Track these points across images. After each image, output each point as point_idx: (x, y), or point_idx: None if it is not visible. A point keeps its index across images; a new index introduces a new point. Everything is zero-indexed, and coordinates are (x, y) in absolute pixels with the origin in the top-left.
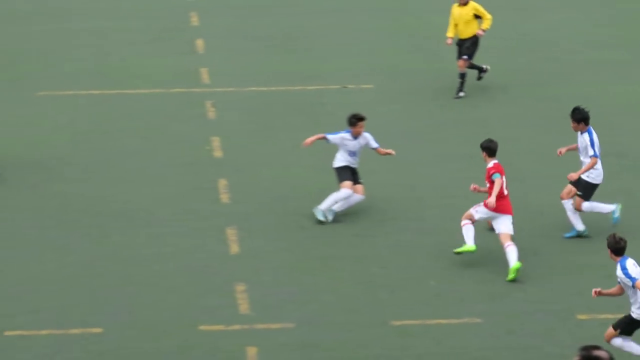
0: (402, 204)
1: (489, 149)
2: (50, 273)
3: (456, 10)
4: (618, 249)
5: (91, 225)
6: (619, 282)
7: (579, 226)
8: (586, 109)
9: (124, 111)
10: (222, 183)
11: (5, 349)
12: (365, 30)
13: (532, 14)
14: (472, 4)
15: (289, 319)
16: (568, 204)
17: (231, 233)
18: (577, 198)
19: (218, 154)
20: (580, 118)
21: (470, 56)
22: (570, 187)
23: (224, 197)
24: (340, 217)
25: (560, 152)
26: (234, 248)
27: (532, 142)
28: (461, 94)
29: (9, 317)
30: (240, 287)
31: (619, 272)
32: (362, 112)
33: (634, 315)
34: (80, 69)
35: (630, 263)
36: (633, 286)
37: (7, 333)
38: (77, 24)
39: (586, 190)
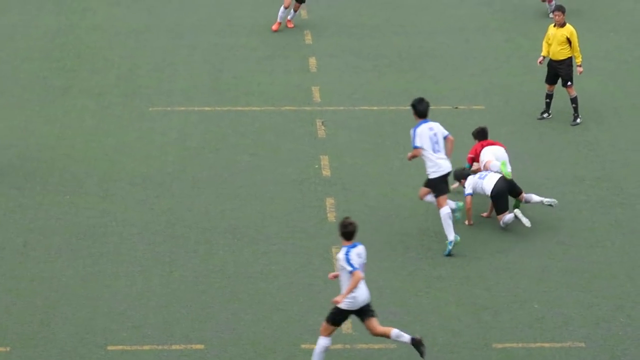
0: (507, 227)
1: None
2: (156, 288)
3: (551, 30)
4: (346, 233)
5: (198, 241)
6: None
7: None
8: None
9: (235, 128)
10: (330, 202)
11: None
12: (478, 50)
13: None
14: (569, 27)
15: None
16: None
17: (336, 252)
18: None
19: (326, 172)
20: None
21: (572, 80)
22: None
23: (331, 216)
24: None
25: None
26: None
27: None
28: (578, 120)
29: (112, 332)
30: None
31: (340, 255)
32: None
33: (341, 305)
34: (192, 85)
35: (355, 252)
36: (350, 273)
37: (109, 348)
38: (191, 40)
39: (430, 186)
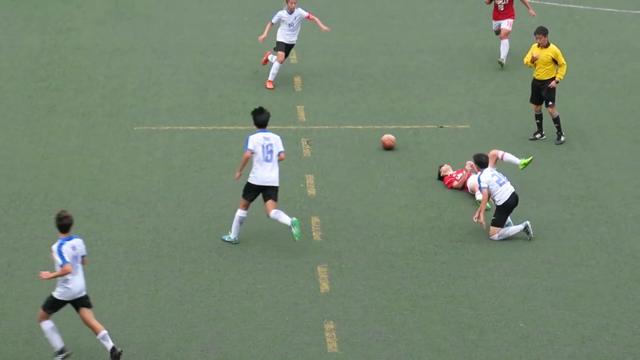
0: (492, 245)
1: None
2: (141, 307)
3: (536, 50)
4: (61, 225)
5: (184, 260)
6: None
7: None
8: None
9: (220, 147)
10: (315, 221)
11: None
12: (462, 70)
13: (633, 55)
14: (552, 47)
15: (377, 358)
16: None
17: (322, 271)
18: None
19: (312, 191)
20: None
21: (554, 101)
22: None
23: (316, 235)
24: (432, 256)
25: None
26: (324, 286)
27: (627, 185)
28: (562, 138)
29: (98, 352)
30: (329, 326)
31: (54, 246)
32: (458, 153)
33: (55, 294)
34: (177, 104)
35: (70, 244)
36: (61, 266)
37: None
38: (176, 60)
39: (244, 188)
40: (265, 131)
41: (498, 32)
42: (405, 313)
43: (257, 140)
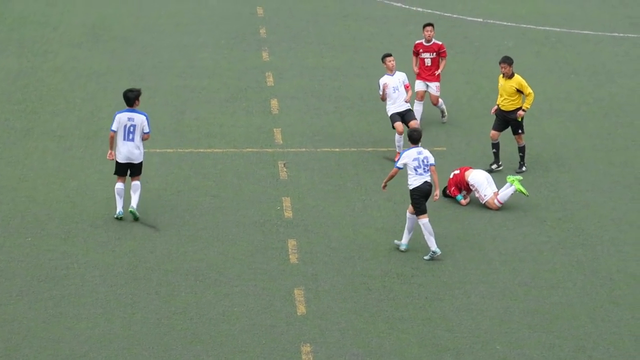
0: (469, 268)
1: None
2: (118, 330)
3: (501, 81)
4: None
5: (160, 283)
6: None
7: None
8: None
9: (197, 170)
10: (292, 243)
11: None
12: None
13: (609, 78)
14: (517, 78)
15: None
16: None
17: (299, 294)
18: None
19: (288, 214)
20: None
21: (522, 129)
22: None
23: (293, 258)
24: (409, 278)
25: None
26: (301, 309)
27: (603, 207)
28: (524, 168)
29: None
30: (306, 348)
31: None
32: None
33: None
34: (154, 127)
35: None
36: None
37: None
38: (152, 82)
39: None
40: (131, 111)
41: (421, 96)
42: (382, 335)
43: (121, 119)
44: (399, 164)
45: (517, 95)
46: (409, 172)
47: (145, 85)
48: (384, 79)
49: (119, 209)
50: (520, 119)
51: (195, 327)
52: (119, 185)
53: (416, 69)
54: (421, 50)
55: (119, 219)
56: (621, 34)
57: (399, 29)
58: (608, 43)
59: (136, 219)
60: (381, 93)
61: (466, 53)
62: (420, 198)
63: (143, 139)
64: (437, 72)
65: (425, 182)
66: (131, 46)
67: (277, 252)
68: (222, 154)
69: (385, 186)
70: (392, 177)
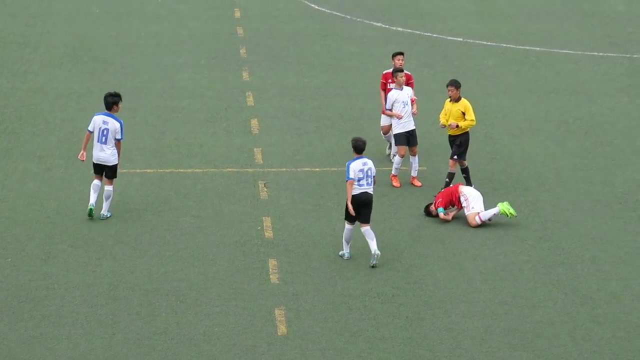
0: (449, 287)
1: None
2: (98, 351)
3: (447, 105)
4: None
5: (141, 303)
6: None
7: None
8: None
9: (177, 190)
10: (272, 263)
11: None
12: (420, 111)
13: (589, 97)
14: (463, 101)
15: None
16: None
17: (279, 314)
18: None
19: (269, 234)
20: None
21: (460, 156)
22: None
23: (274, 278)
24: (389, 298)
25: None
26: (282, 329)
27: (583, 226)
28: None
29: None
30: None
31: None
32: (416, 194)
33: None
34: (135, 147)
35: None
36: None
37: None
38: (132, 103)
39: None
40: (107, 115)
41: (386, 130)
42: (363, 355)
43: (96, 121)
44: (351, 175)
45: (463, 119)
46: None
47: (125, 106)
48: (394, 94)
49: (92, 201)
50: (451, 133)
51: (176, 348)
52: (95, 182)
53: (386, 105)
54: (391, 81)
55: (90, 214)
56: (600, 53)
57: (379, 49)
58: (587, 62)
59: (90, 216)
60: (390, 108)
61: (446, 72)
62: (358, 208)
63: (116, 145)
64: (412, 110)
65: (365, 192)
66: (111, 66)
67: (258, 272)
68: (202, 174)
69: (352, 208)
70: (350, 192)
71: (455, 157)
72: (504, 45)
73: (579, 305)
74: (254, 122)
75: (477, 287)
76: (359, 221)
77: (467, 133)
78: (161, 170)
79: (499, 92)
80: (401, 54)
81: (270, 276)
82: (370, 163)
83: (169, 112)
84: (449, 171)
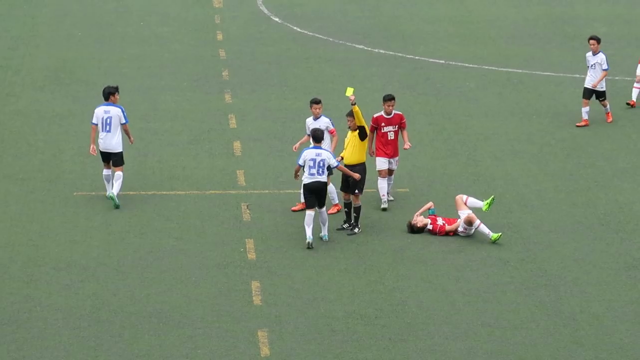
0: (432, 309)
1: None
2: None
3: (349, 136)
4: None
5: (124, 325)
6: None
7: None
8: None
9: (159, 212)
10: (255, 285)
11: None
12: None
13: (571, 119)
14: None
15: None
16: None
17: (262, 335)
18: None
19: (252, 255)
20: None
21: (361, 190)
22: None
23: (256, 299)
24: (372, 319)
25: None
26: (265, 350)
27: (565, 247)
28: (356, 230)
29: None
30: None
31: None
32: (398, 216)
33: None
34: None
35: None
36: None
37: None
38: None
39: None
40: (108, 105)
41: (385, 174)
42: None
43: (98, 113)
44: (300, 161)
45: (361, 147)
46: (305, 169)
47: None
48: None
49: (109, 191)
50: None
51: None
52: (105, 172)
53: (373, 147)
54: (383, 124)
55: (115, 204)
56: (582, 75)
57: (361, 71)
58: (569, 84)
59: (116, 206)
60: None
61: (428, 94)
62: (309, 194)
63: (124, 130)
64: (406, 146)
65: (317, 180)
66: (93, 89)
67: (241, 293)
68: (185, 196)
69: (306, 195)
70: (296, 172)
71: (357, 191)
72: (486, 67)
73: (562, 327)
74: (237, 144)
75: (460, 308)
76: (306, 207)
77: (363, 162)
78: (144, 193)
79: (481, 114)
80: (393, 98)
81: (253, 298)
82: (325, 154)
83: (151, 135)
84: (354, 206)
